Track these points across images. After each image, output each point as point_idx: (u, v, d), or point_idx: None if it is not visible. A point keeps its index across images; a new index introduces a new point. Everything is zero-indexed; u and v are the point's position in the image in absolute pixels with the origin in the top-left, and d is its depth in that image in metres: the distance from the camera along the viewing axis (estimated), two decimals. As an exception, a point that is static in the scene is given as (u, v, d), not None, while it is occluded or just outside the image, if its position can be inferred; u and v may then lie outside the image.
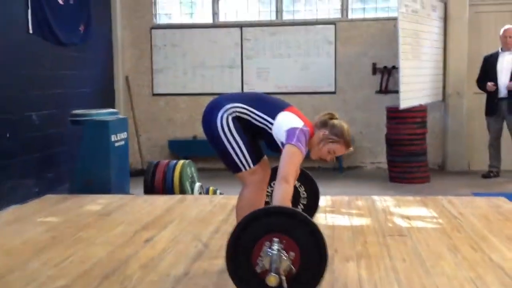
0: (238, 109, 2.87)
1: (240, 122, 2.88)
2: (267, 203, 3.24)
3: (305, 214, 2.43)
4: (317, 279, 2.36)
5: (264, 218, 2.37)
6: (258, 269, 2.32)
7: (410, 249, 3.18)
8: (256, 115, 2.88)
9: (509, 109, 6.72)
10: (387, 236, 3.45)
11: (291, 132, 2.74)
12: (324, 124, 2.90)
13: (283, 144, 2.76)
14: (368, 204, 4.39)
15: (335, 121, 2.91)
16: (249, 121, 2.88)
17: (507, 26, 6.86)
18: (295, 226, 2.34)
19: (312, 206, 3.57)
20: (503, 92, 6.76)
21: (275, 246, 2.30)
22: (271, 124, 2.85)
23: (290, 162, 2.68)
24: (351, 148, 2.96)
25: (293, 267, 2.32)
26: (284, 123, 2.80)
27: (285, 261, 2.30)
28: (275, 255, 2.28)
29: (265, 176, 2.99)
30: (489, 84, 6.76)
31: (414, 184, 6.73)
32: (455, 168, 7.58)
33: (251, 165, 2.87)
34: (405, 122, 6.82)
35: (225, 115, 2.85)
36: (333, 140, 2.86)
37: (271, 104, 2.94)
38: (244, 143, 2.86)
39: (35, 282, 2.75)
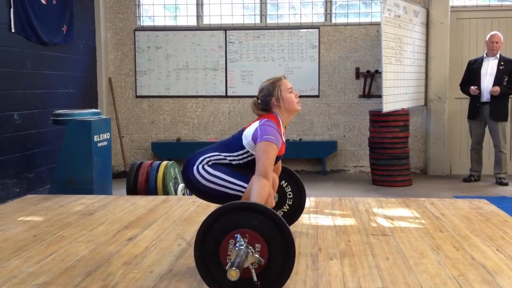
0: (212, 157, 2.92)
1: (222, 166, 2.92)
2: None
3: (261, 204, 2.46)
4: (288, 267, 2.37)
5: (221, 218, 2.39)
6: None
7: (393, 248, 3.19)
8: (233, 156, 2.92)
9: (491, 113, 6.82)
10: (370, 235, 3.47)
11: (254, 135, 2.83)
12: (265, 101, 2.99)
13: (256, 139, 2.84)
14: (351, 205, 4.40)
15: (260, 90, 3.03)
16: (231, 163, 2.92)
17: (493, 32, 6.95)
18: (253, 218, 2.36)
19: (299, 205, 3.57)
20: (485, 97, 6.85)
21: (239, 242, 2.32)
22: (247, 151, 2.89)
23: (264, 157, 2.74)
24: (284, 76, 3.08)
25: (261, 258, 2.33)
26: (247, 137, 2.88)
27: (252, 254, 2.31)
28: (241, 250, 2.30)
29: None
30: (473, 88, 6.85)
31: (396, 187, 6.78)
32: (436, 172, 7.66)
33: (245, 185, 2.85)
34: (387, 125, 6.87)
35: (200, 166, 2.90)
36: (278, 93, 2.96)
37: (233, 139, 2.99)
38: (226, 173, 2.88)
39: (16, 279, 2.71)
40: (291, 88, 3.02)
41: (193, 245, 3.21)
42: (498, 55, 6.89)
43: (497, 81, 6.79)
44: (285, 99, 2.98)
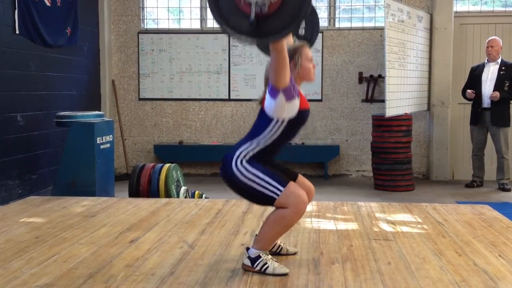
0: (248, 149, 2.81)
1: (259, 157, 2.81)
2: None
3: None
4: (285, 29, 2.36)
5: None
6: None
7: (395, 253, 3.19)
8: (266, 137, 2.80)
9: (493, 119, 6.80)
10: (372, 240, 3.46)
11: (268, 93, 2.74)
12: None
13: (271, 91, 2.71)
14: (353, 209, 4.39)
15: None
16: (268, 147, 2.81)
17: (490, 38, 6.96)
18: None
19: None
20: (486, 102, 6.84)
21: None
22: (277, 120, 2.77)
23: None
24: (308, 46, 2.97)
25: (267, 6, 2.32)
26: (267, 106, 2.77)
27: None
28: None
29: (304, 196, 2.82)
30: (469, 91, 6.85)
31: (398, 192, 6.77)
32: (439, 177, 7.64)
33: (281, 188, 2.73)
34: (390, 130, 6.87)
35: (238, 162, 2.78)
36: (298, 59, 2.86)
37: (257, 121, 2.86)
38: (264, 173, 2.76)
39: (17, 280, 2.71)
40: (311, 58, 2.91)
41: (194, 247, 3.22)
42: (499, 60, 6.88)
43: (497, 87, 6.78)
44: (303, 67, 2.87)
